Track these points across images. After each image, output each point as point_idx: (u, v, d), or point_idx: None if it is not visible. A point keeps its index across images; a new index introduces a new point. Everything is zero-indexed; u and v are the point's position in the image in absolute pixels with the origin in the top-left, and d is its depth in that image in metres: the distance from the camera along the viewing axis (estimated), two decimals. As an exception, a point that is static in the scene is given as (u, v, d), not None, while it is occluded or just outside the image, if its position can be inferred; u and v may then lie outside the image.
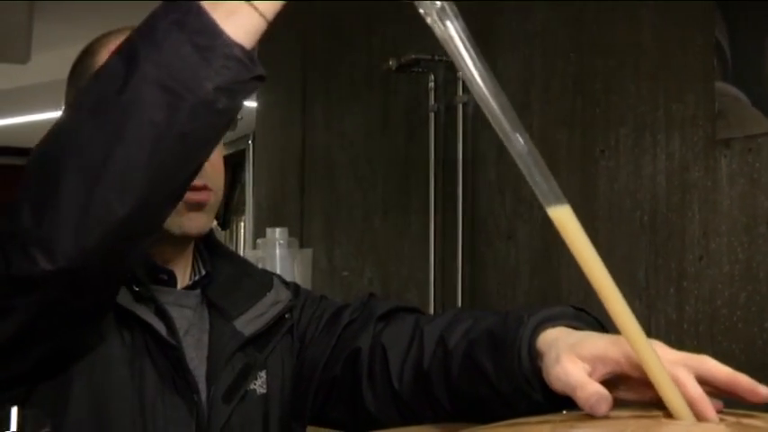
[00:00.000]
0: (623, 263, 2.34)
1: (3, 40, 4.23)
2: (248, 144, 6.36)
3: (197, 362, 1.11)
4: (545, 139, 2.59)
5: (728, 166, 2.12)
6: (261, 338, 1.15)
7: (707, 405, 0.78)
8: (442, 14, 0.76)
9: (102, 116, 0.83)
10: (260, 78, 0.85)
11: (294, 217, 3.71)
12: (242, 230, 6.97)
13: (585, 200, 2.46)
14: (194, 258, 1.19)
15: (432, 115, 2.99)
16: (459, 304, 2.85)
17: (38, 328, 0.92)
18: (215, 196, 1.13)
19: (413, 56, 2.98)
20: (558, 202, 0.77)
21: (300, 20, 3.63)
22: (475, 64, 0.76)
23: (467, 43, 0.76)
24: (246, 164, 6.55)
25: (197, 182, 1.08)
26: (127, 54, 0.84)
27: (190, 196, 1.08)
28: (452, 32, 0.76)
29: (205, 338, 1.13)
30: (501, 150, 2.75)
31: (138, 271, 1.07)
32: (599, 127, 2.44)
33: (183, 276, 1.16)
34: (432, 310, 2.92)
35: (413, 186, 3.07)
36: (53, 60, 4.57)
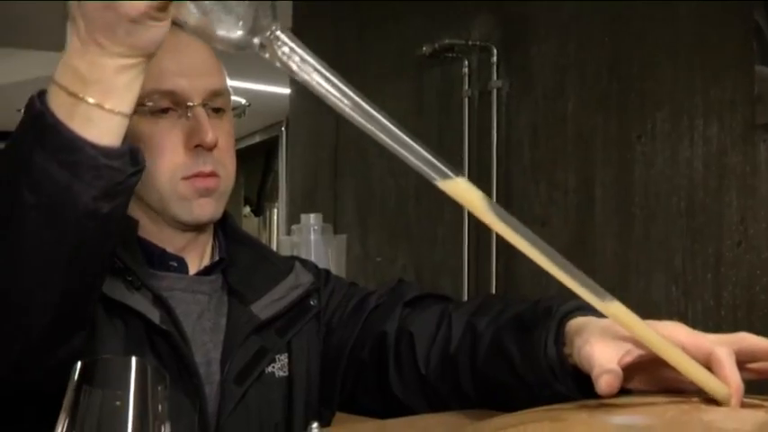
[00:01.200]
0: (660, 248, 2.32)
1: (41, 28, 4.28)
2: (281, 131, 6.39)
3: (211, 346, 1.12)
4: (580, 125, 2.58)
5: None
6: (281, 323, 1.16)
7: (739, 392, 0.78)
8: (274, 41, 0.74)
9: None
10: (138, 171, 0.85)
11: (327, 203, 3.71)
12: (275, 217, 7.00)
13: (622, 185, 2.44)
14: (213, 244, 1.19)
15: (466, 101, 2.98)
16: (493, 291, 2.84)
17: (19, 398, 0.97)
18: (224, 183, 1.13)
19: (447, 41, 2.97)
20: (447, 177, 0.75)
21: (333, 6, 3.63)
22: (336, 86, 0.76)
23: (318, 66, 0.75)
24: (280, 150, 6.58)
25: (204, 168, 1.10)
26: (5, 177, 0.84)
27: (198, 183, 1.10)
28: (296, 59, 0.75)
29: (223, 322, 1.13)
30: (535, 136, 2.73)
31: (128, 260, 1.07)
32: (635, 112, 2.42)
33: (200, 262, 1.17)
34: (465, 298, 2.91)
35: (446, 172, 3.06)
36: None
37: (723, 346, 0.81)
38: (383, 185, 3.41)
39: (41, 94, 0.82)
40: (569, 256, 2.65)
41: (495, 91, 2.85)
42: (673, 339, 0.82)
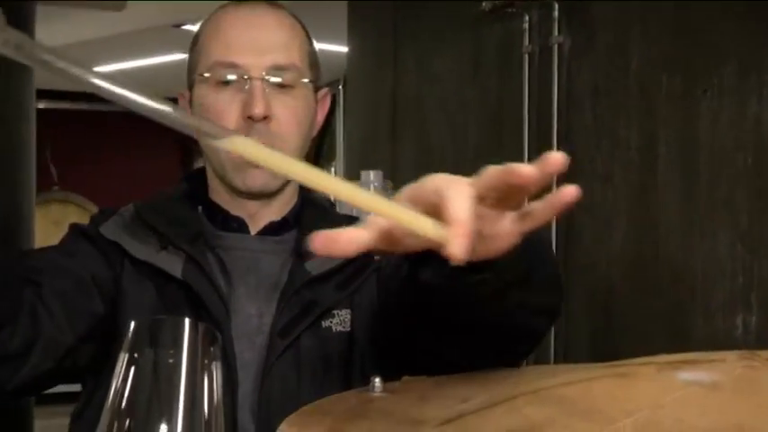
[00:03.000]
0: (724, 207, 2.28)
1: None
2: (338, 89, 6.38)
3: (264, 300, 1.17)
4: (644, 81, 2.53)
5: (839, 105, 2.04)
6: (341, 278, 1.19)
7: (459, 227, 0.66)
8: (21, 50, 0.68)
9: None
10: None
11: (385, 162, 3.71)
12: (332, 176, 7.02)
13: (686, 142, 2.39)
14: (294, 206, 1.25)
15: (526, 57, 2.94)
16: (554, 249, 2.82)
17: None
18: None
19: (507, -4, 2.93)
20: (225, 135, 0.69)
21: (392, -38, 3.60)
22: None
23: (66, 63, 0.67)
24: (337, 109, 6.58)
25: (255, 138, 1.13)
26: None
27: None
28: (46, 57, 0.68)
29: (284, 279, 1.18)
30: (598, 92, 2.69)
31: (158, 224, 1.17)
32: (701, 67, 2.36)
33: (267, 222, 1.23)
34: (525, 255, 2.90)
35: (506, 130, 3.04)
36: (148, 8, 4.64)
37: (451, 187, 0.69)
38: (442, 143, 3.39)
39: None
40: (631, 214, 2.63)
41: (556, 47, 2.81)
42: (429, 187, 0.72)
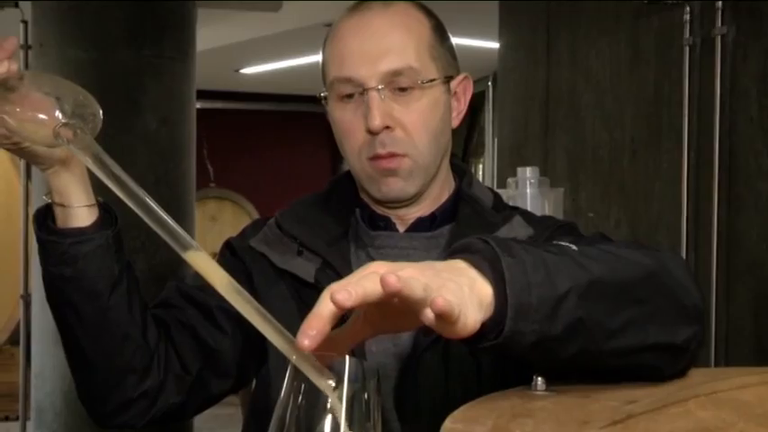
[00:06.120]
0: None
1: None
2: (488, 86, 6.35)
3: None
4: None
5: None
6: None
7: (302, 340, 0.76)
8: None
9: None
10: (79, 242, 1.08)
11: (537, 157, 3.66)
12: (481, 172, 6.99)
13: None
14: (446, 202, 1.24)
15: (686, 49, 2.84)
16: (714, 249, 2.71)
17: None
18: (412, 161, 1.18)
19: (666, -14, 2.84)
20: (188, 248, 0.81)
21: (545, -45, 3.55)
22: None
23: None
24: (486, 106, 6.56)
25: (380, 151, 1.16)
26: None
27: (377, 164, 1.17)
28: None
29: None
30: (765, 85, 2.57)
31: (295, 231, 1.20)
32: None
33: (415, 219, 1.23)
34: (684, 255, 2.80)
35: (664, 124, 2.95)
36: (303, 8, 4.74)
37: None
38: (596, 139, 3.32)
39: None
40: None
41: (719, 38, 2.71)
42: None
